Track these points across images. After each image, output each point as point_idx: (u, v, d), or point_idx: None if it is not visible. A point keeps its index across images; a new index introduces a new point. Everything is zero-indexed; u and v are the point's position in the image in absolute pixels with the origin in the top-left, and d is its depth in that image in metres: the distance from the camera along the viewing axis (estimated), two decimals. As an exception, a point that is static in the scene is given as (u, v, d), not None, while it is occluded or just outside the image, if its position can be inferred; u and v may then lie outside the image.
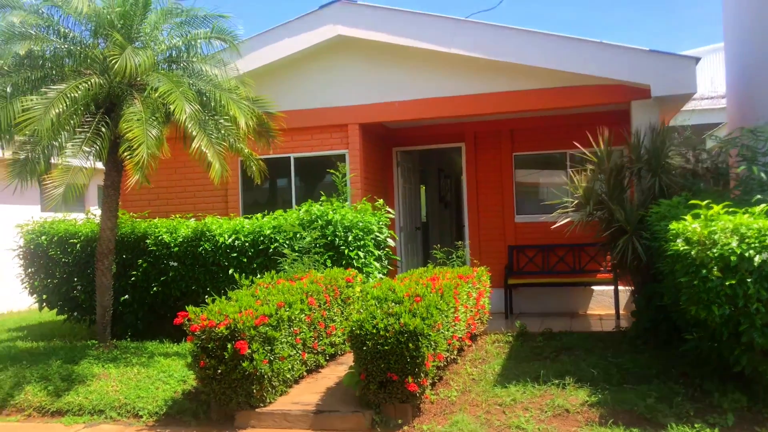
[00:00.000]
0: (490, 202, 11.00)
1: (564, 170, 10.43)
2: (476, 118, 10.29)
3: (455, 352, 6.86)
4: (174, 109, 6.81)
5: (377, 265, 8.59)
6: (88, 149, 7.18)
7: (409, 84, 9.52)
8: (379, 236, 8.67)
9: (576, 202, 8.16)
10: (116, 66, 6.78)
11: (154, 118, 6.92)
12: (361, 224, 8.43)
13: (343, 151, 9.80)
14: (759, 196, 5.79)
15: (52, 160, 7.35)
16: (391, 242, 8.96)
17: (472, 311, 7.46)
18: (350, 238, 8.32)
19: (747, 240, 4.94)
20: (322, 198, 8.94)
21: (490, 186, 10.98)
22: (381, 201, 9.02)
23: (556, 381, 6.16)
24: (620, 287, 9.77)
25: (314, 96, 9.83)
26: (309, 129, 9.89)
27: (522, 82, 9.07)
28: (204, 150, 7.02)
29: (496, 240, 10.96)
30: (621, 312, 9.87)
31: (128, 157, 6.53)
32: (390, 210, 9.04)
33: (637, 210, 7.72)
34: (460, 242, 9.24)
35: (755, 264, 4.86)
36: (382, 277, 8.38)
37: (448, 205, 15.74)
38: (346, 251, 8.31)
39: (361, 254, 8.36)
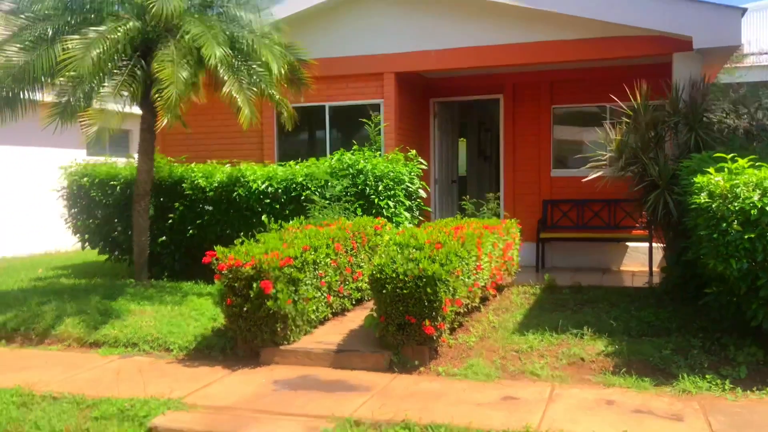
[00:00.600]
0: (526, 155, 10.92)
1: (603, 124, 10.25)
2: (514, 68, 10.16)
3: (478, 301, 6.93)
4: (205, 52, 6.93)
5: (407, 215, 8.68)
6: (124, 92, 7.37)
7: (446, 33, 9.42)
8: (410, 187, 8.74)
9: (609, 156, 8.07)
10: (154, 10, 6.91)
11: (185, 60, 7.06)
12: (392, 174, 8.50)
13: (378, 100, 9.82)
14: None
15: (94, 105, 7.57)
16: (422, 193, 9.04)
17: (497, 261, 7.50)
18: (381, 188, 8.42)
19: (769, 194, 4.87)
20: (354, 147, 9.02)
21: (527, 139, 10.89)
22: (414, 152, 9.05)
23: (575, 331, 6.21)
24: (655, 244, 9.66)
25: (350, 43, 9.81)
26: (344, 77, 9.91)
27: (560, 31, 8.90)
28: (234, 95, 7.16)
29: (531, 194, 10.91)
30: (654, 269, 9.77)
31: (158, 98, 6.70)
32: (422, 161, 9.08)
33: (671, 165, 7.60)
34: (490, 194, 9.25)
35: (777, 218, 4.80)
36: (412, 226, 8.46)
37: (487, 159, 15.63)
38: (376, 200, 8.41)
39: (391, 204, 8.45)
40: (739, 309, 5.42)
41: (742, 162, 5.28)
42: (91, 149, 14.83)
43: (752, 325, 5.34)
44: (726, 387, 5.00)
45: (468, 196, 9.51)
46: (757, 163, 5.32)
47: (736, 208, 4.95)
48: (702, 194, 5.27)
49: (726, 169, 5.27)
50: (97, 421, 4.85)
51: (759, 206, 4.86)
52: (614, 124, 8.40)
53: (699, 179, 5.42)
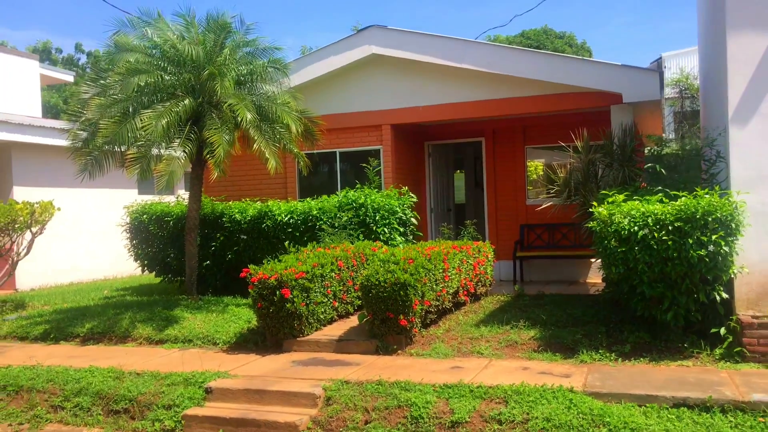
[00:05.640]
0: (505, 187, 13.06)
1: (567, 160, 12.33)
2: (486, 119, 12.34)
3: (449, 304, 9.02)
4: (240, 118, 9.25)
5: (400, 239, 10.82)
6: (183, 150, 9.68)
7: (430, 92, 11.68)
8: (402, 216, 10.90)
9: (556, 189, 10.15)
10: (219, 90, 9.26)
11: (226, 127, 9.38)
12: (387, 207, 10.68)
13: (378, 147, 12.07)
14: (659, 187, 7.72)
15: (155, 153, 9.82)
16: (414, 221, 11.17)
17: (468, 274, 9.59)
18: (378, 218, 10.60)
19: (634, 219, 6.94)
20: (357, 186, 11.24)
21: (506, 174, 13.03)
22: (405, 188, 11.23)
23: (516, 323, 8.30)
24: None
25: (354, 102, 12.13)
26: (350, 129, 12.21)
27: (519, 90, 11.09)
28: (263, 150, 9.48)
29: (510, 220, 13.02)
30: (611, 280, 11.75)
31: (209, 157, 9.05)
32: (413, 195, 11.23)
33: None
34: (468, 221, 11.36)
35: (639, 236, 6.86)
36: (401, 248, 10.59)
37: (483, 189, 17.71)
38: (374, 227, 10.59)
39: (387, 230, 10.62)
40: (628, 304, 7.47)
41: (619, 197, 7.37)
42: (141, 189, 17.37)
43: (638, 315, 7.39)
44: (612, 358, 7.02)
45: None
46: (633, 197, 7.40)
47: (613, 230, 7.03)
48: (595, 221, 7.36)
49: (606, 201, 7.37)
50: (169, 386, 7.04)
51: (627, 228, 6.94)
52: (559, 163, 10.48)
53: (594, 209, 7.51)
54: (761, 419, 5.35)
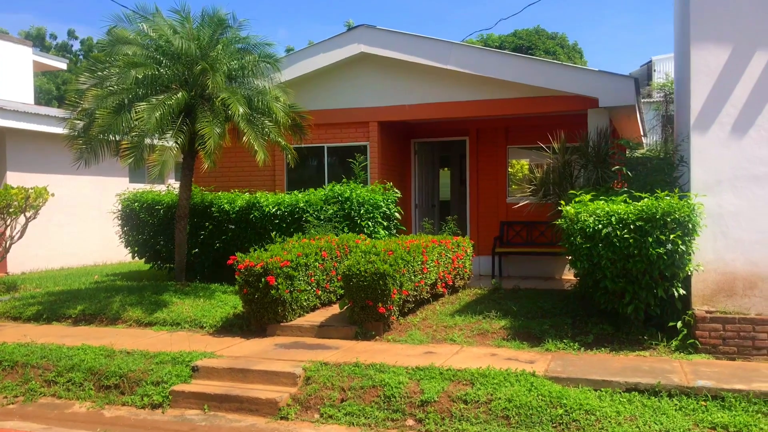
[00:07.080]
0: (487, 185, 13.51)
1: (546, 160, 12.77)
2: (470, 118, 12.78)
3: (428, 295, 9.45)
4: (232, 111, 9.65)
5: (384, 232, 11.24)
6: (175, 141, 10.04)
7: (417, 91, 12.09)
8: (386, 211, 11.32)
9: (533, 188, 10.61)
10: (210, 85, 9.63)
11: (217, 119, 9.77)
12: (372, 201, 11.10)
13: (365, 143, 12.48)
14: (625, 188, 8.19)
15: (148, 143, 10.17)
16: (397, 215, 11.60)
17: (446, 267, 10.03)
18: (362, 211, 11.01)
19: (598, 218, 7.40)
20: (344, 180, 11.65)
21: (488, 172, 13.48)
22: (390, 183, 11.66)
23: (489, 314, 8.75)
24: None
25: (343, 98, 12.53)
26: (338, 125, 12.61)
27: (502, 91, 11.52)
28: (252, 142, 9.87)
29: (491, 216, 13.47)
30: (585, 277, 12.23)
31: (201, 148, 9.43)
32: (397, 190, 11.67)
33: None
34: (449, 217, 11.81)
35: (602, 234, 7.32)
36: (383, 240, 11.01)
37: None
38: (359, 221, 11.01)
39: (371, 224, 11.04)
40: (593, 298, 7.94)
41: (586, 197, 7.83)
42: (132, 177, 17.71)
43: (602, 308, 7.85)
44: (575, 347, 7.48)
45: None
46: (600, 197, 7.86)
47: (578, 227, 7.48)
48: (563, 219, 7.81)
49: (573, 201, 7.82)
50: (158, 364, 7.44)
51: (592, 226, 7.40)
52: (537, 163, 10.93)
53: (563, 208, 7.96)
54: (703, 402, 5.83)
